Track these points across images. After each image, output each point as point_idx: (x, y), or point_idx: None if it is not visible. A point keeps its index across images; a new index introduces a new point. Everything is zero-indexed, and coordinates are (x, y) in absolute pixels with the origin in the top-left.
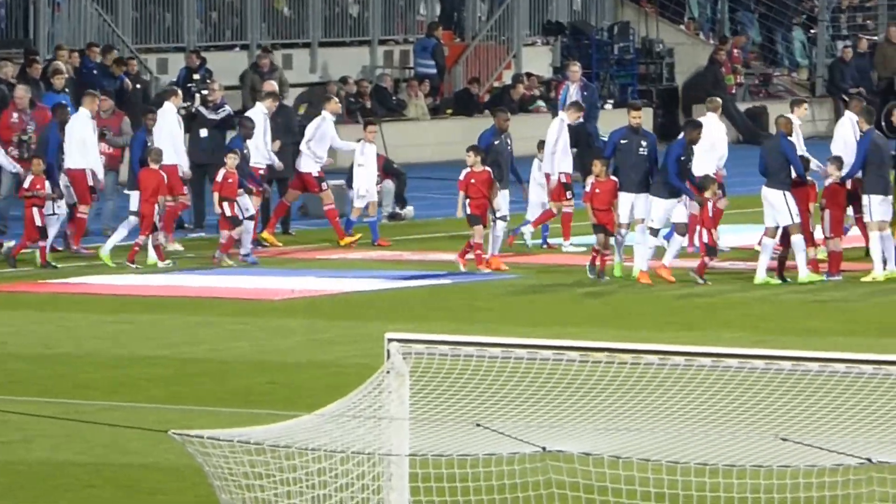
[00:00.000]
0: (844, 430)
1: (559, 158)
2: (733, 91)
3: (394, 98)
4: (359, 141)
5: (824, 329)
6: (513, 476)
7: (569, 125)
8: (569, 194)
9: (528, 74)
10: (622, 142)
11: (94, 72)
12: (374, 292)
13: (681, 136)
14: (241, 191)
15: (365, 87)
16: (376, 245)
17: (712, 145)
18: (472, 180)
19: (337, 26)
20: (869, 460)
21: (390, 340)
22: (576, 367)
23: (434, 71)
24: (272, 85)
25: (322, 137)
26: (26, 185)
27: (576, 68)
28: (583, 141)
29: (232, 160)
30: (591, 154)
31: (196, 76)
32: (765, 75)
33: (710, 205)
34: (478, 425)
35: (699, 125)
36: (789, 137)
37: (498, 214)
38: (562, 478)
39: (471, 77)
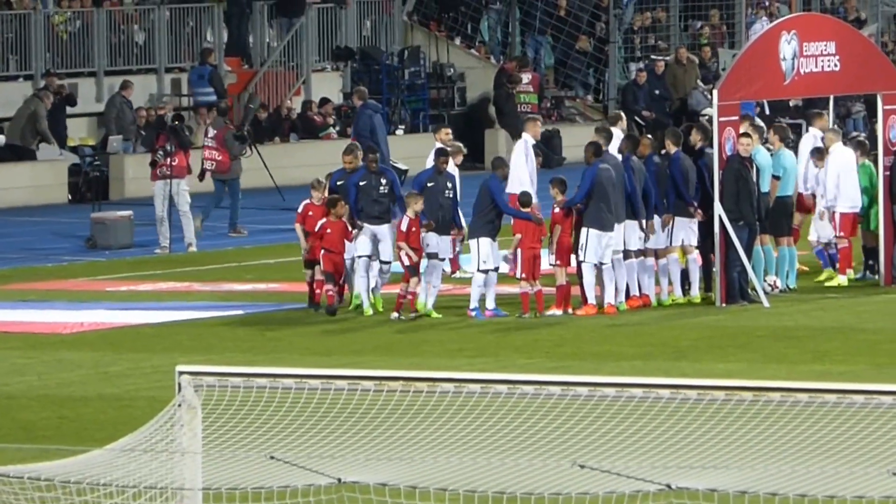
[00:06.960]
0: (643, 456)
1: None
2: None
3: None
4: None
5: (620, 353)
6: None
7: None
8: None
9: (325, 100)
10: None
11: None
12: (164, 325)
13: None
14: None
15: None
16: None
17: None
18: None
19: (123, 54)
20: (668, 486)
21: (181, 373)
22: (371, 396)
23: (214, 98)
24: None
25: None
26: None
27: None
28: None
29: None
30: None
31: None
32: (556, 98)
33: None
34: (272, 458)
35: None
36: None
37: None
38: None
39: (260, 104)
